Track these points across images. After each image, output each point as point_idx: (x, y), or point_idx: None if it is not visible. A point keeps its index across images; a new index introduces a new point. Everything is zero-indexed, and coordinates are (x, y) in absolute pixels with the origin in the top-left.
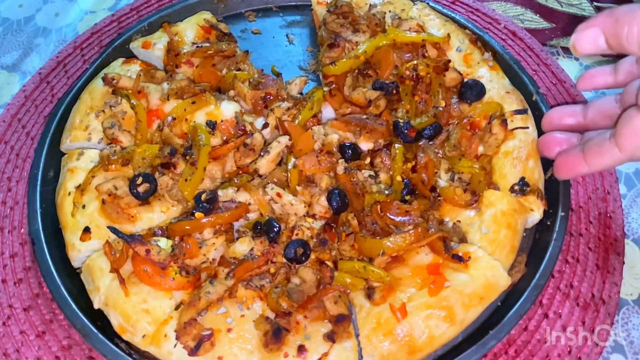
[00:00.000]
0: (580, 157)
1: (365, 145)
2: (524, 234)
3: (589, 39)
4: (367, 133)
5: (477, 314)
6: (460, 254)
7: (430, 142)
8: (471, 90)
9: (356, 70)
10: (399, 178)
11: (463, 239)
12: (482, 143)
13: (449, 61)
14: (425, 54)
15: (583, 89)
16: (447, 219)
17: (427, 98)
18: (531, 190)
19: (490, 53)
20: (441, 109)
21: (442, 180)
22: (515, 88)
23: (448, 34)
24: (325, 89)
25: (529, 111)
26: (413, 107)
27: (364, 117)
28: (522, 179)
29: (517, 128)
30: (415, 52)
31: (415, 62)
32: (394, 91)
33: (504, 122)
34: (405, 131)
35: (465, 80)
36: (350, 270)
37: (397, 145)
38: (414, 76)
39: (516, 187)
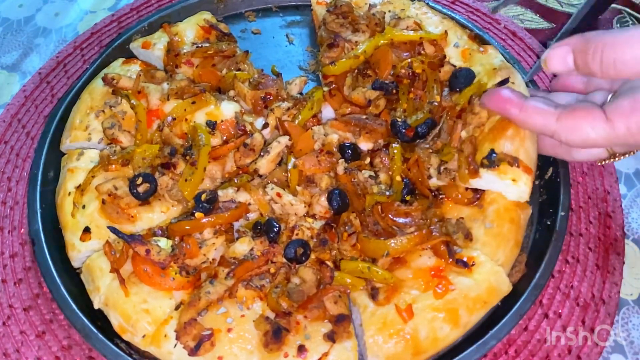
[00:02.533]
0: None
1: (365, 145)
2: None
3: (559, 55)
4: (366, 133)
5: (479, 317)
6: (465, 259)
7: (422, 140)
8: (457, 78)
9: (356, 70)
10: (398, 178)
11: (468, 235)
12: (467, 126)
13: (445, 56)
14: (422, 52)
15: (554, 89)
16: (449, 217)
17: (421, 94)
18: (500, 159)
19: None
20: (436, 103)
21: (434, 177)
22: (506, 62)
23: (445, 31)
24: (325, 89)
25: (517, 77)
26: (410, 106)
27: (364, 117)
28: (492, 151)
29: (497, 84)
30: (412, 50)
31: (409, 60)
32: (394, 91)
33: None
34: (403, 130)
35: (453, 70)
36: (354, 270)
37: (394, 145)
38: (410, 74)
39: (485, 161)
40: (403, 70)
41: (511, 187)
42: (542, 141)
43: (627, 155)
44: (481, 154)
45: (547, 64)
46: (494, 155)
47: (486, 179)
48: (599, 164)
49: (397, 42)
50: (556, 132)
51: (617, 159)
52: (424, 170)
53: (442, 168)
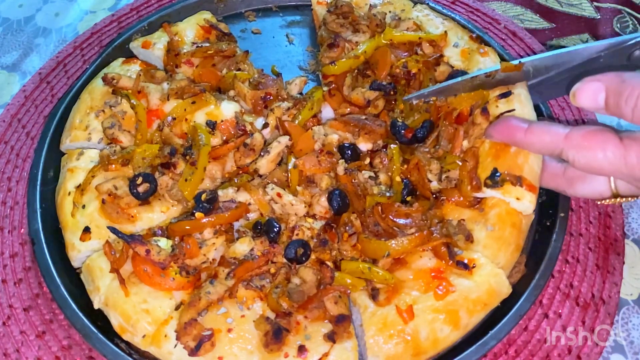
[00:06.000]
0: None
1: (364, 145)
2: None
3: (590, 91)
4: (365, 134)
5: (479, 319)
6: (465, 261)
7: (421, 144)
8: (453, 79)
9: (356, 71)
10: (398, 179)
11: (469, 236)
12: (468, 137)
13: (441, 56)
14: (420, 52)
15: None
16: (450, 219)
17: None
18: (504, 179)
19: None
20: (431, 102)
21: (434, 182)
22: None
23: (445, 31)
24: (325, 88)
25: (520, 88)
26: (406, 107)
27: (363, 117)
28: (494, 170)
29: (502, 113)
30: (411, 50)
31: (404, 60)
32: (392, 92)
33: (484, 111)
34: (402, 132)
35: (450, 72)
36: (354, 271)
37: (392, 146)
38: (405, 73)
39: (488, 181)
40: (398, 70)
41: (515, 203)
42: (542, 172)
43: (630, 199)
44: (483, 169)
45: (576, 98)
46: (497, 175)
47: (488, 194)
48: (598, 202)
49: (397, 42)
50: (564, 151)
51: (618, 200)
52: (424, 174)
53: (443, 176)
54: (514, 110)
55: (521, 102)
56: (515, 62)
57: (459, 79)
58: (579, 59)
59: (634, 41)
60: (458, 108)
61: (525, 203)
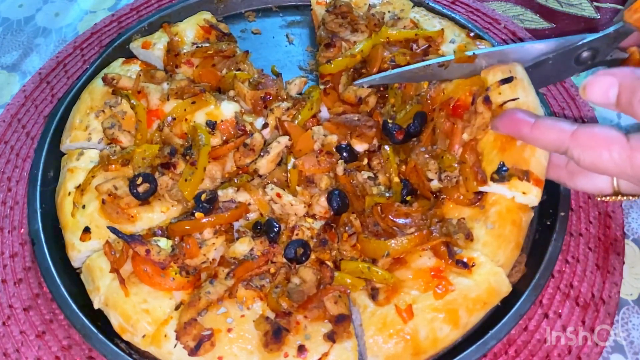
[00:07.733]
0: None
1: (359, 146)
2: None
3: (603, 86)
4: (357, 137)
5: (479, 318)
6: (465, 260)
7: (416, 140)
8: None
9: (352, 69)
10: (396, 179)
11: (469, 235)
12: (470, 127)
13: (429, 46)
14: (416, 48)
15: None
16: (450, 218)
17: (407, 84)
18: (511, 174)
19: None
20: (423, 93)
21: (435, 180)
22: None
23: (442, 28)
24: (322, 87)
25: (522, 72)
26: (398, 99)
27: (355, 118)
28: (501, 164)
29: (506, 102)
30: (407, 48)
31: (392, 55)
32: (381, 88)
33: (486, 100)
34: (394, 132)
35: None
36: (354, 271)
37: (386, 147)
38: (393, 67)
39: (495, 176)
40: (386, 65)
41: (521, 197)
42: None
43: (630, 198)
44: (488, 162)
45: (586, 92)
46: (504, 169)
47: (494, 188)
48: (598, 199)
49: (394, 40)
50: (569, 149)
51: (619, 198)
52: (423, 176)
53: (443, 175)
54: (517, 98)
55: (525, 88)
56: (470, 53)
57: (411, 66)
58: (529, 57)
59: (581, 42)
60: (454, 97)
61: (531, 197)
